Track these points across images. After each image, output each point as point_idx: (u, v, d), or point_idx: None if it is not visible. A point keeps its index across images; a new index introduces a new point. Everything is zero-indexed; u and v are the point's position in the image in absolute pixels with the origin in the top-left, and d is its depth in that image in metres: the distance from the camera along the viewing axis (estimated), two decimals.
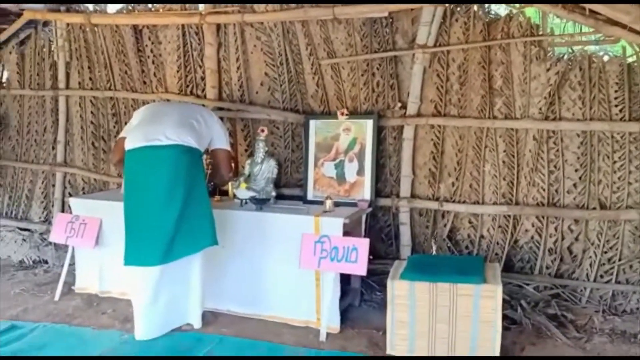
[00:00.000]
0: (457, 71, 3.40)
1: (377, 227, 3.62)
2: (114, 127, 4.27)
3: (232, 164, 3.49)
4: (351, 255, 2.93)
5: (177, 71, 3.99)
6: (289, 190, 3.74)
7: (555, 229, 3.29)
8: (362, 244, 2.94)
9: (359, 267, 2.91)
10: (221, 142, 3.16)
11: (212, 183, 3.37)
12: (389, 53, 3.49)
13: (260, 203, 3.27)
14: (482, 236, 3.44)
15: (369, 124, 3.46)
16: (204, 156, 3.22)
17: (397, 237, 3.57)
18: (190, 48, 3.95)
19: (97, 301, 3.49)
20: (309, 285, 3.06)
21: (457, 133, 3.44)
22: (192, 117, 3.04)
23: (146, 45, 4.07)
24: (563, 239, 3.29)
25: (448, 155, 3.48)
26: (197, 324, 3.04)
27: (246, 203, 3.34)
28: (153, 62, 4.07)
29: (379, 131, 3.50)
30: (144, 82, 4.13)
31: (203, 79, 3.95)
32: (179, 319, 3.03)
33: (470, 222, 3.47)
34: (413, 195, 3.54)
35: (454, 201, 3.47)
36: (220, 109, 3.88)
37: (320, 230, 3.03)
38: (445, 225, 3.50)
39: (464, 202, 3.45)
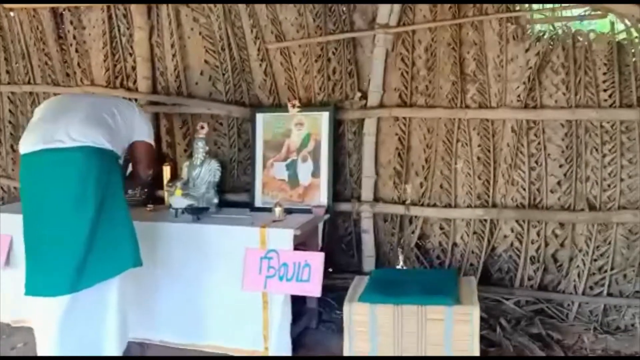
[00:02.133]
0: (424, 54, 3.16)
1: (336, 236, 3.33)
2: None
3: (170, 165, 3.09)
4: (303, 273, 2.63)
5: (104, 60, 3.56)
6: (236, 195, 3.37)
7: (538, 235, 3.06)
8: (316, 260, 2.63)
9: (313, 287, 2.61)
10: (142, 134, 2.71)
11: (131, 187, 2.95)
12: (346, 35, 3.22)
13: (197, 213, 2.91)
14: (455, 244, 3.19)
15: (324, 118, 3.18)
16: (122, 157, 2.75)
17: (359, 246, 3.29)
18: (118, 33, 3.52)
19: (7, 333, 3.03)
20: (255, 309, 2.72)
21: (425, 126, 3.19)
22: (105, 110, 2.56)
23: (68, 31, 3.62)
24: (547, 245, 3.06)
25: (415, 151, 3.23)
26: None
27: (182, 213, 2.96)
28: (77, 51, 3.63)
29: (336, 125, 3.22)
30: (67, 74, 3.69)
31: (134, 68, 3.54)
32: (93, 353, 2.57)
33: (441, 228, 3.22)
34: (376, 199, 3.27)
35: (422, 204, 3.21)
36: (155, 103, 3.50)
37: (267, 243, 2.69)
38: (413, 233, 3.24)
39: (434, 205, 3.20)
